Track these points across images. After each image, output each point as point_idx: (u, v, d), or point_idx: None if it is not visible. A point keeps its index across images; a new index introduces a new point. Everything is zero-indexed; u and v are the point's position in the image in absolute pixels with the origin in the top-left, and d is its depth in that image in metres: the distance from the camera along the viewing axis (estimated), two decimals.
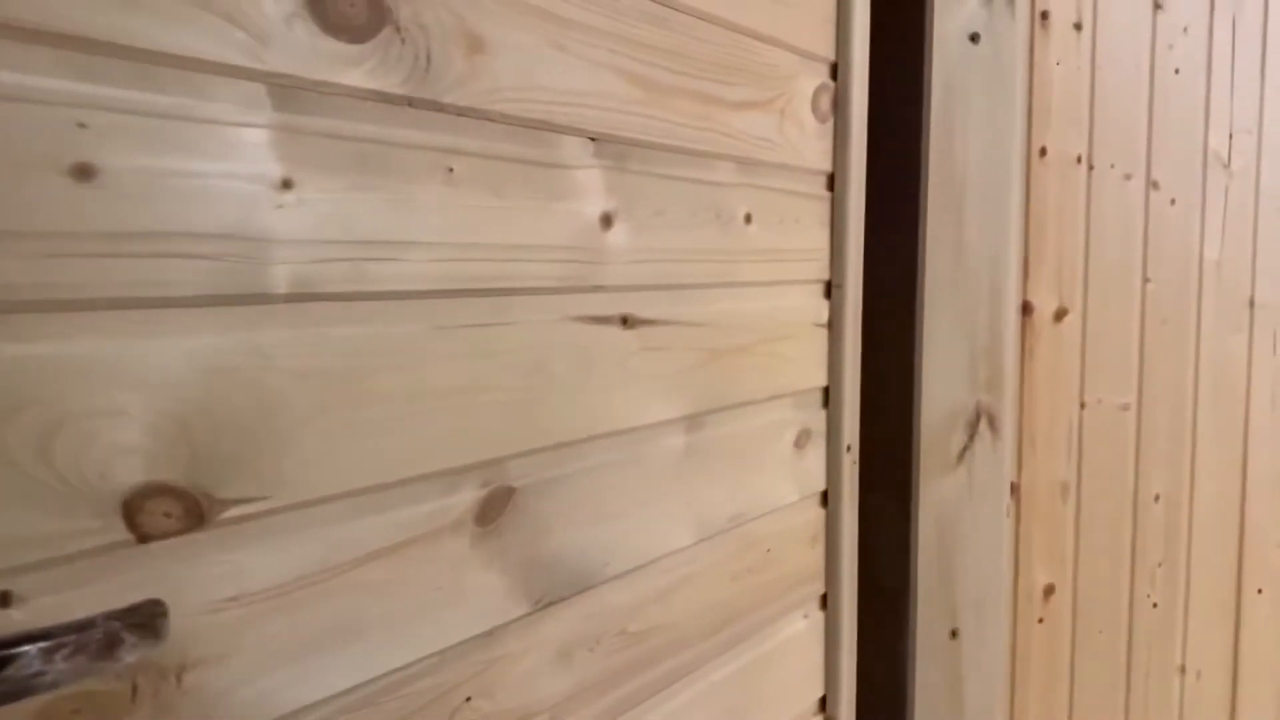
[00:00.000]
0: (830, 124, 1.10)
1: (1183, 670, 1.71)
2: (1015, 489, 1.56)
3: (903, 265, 1.23)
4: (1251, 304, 1.68)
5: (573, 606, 0.77)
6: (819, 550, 1.13)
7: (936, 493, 1.25)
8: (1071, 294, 1.57)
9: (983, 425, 1.26)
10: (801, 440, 1.09)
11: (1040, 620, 1.60)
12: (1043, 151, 1.54)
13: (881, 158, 1.20)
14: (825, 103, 1.09)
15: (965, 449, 1.25)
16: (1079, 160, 1.56)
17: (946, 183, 1.22)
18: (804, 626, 1.11)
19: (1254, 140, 1.65)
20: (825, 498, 1.14)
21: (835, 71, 1.11)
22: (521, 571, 0.72)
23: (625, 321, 0.81)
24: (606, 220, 0.78)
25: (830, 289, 1.13)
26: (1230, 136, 1.64)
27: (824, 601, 1.14)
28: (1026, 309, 1.55)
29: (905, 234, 1.22)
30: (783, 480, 1.06)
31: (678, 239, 0.87)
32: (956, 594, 1.28)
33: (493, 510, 0.70)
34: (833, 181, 1.12)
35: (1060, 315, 1.57)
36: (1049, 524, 1.59)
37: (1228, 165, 1.64)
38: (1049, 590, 1.60)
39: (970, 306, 1.24)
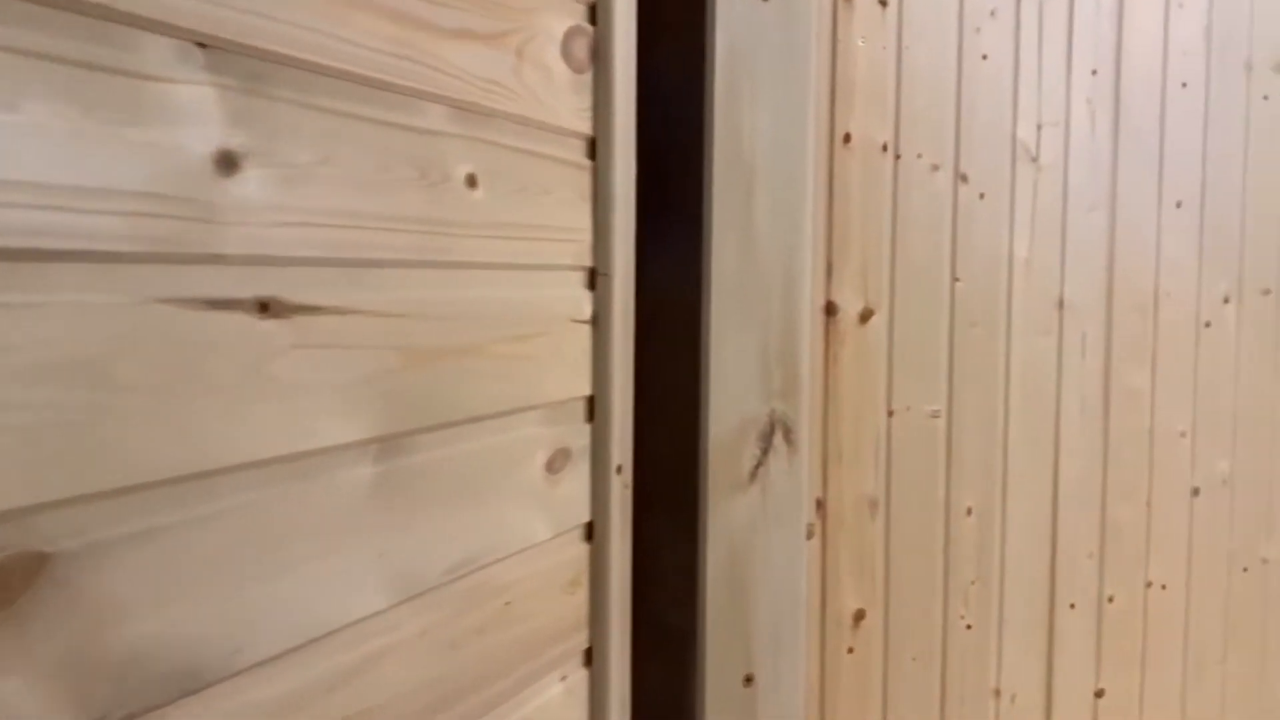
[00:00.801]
0: (589, 77, 0.91)
1: (997, 693, 1.61)
2: (821, 506, 1.41)
3: (683, 253, 1.04)
4: (1061, 305, 1.60)
5: (170, 718, 0.53)
6: (581, 595, 0.92)
7: (727, 517, 1.07)
8: (878, 293, 1.44)
9: (778, 438, 1.09)
10: (556, 463, 0.89)
11: (850, 650, 1.46)
12: (846, 138, 1.40)
13: (655, 125, 1.01)
14: (581, 49, 0.89)
15: (759, 465, 1.08)
16: (885, 148, 1.44)
17: (734, 161, 1.05)
18: (561, 691, 0.90)
19: (1061, 133, 1.58)
20: (590, 531, 0.94)
21: (595, 14, 0.91)
22: (67, 676, 0.48)
23: (266, 308, 0.58)
24: (228, 161, 0.55)
25: (594, 278, 0.93)
26: (1038, 129, 1.56)
27: (589, 657, 0.94)
28: (830, 309, 1.40)
29: (685, 217, 1.04)
30: (529, 514, 0.85)
31: (358, 199, 0.65)
32: (751, 633, 1.11)
33: (6, 590, 0.45)
34: (595, 148, 0.92)
35: (866, 316, 1.43)
36: (857, 543, 1.45)
37: (1036, 159, 1.56)
38: (859, 616, 1.46)
39: (762, 303, 1.07)
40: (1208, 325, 1.75)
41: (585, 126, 0.91)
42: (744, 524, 1.08)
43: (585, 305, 0.92)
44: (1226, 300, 1.76)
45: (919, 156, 1.46)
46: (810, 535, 1.40)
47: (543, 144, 0.85)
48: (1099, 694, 1.68)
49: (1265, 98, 1.78)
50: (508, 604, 0.82)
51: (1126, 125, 1.63)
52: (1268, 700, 1.86)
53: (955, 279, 1.50)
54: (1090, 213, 1.61)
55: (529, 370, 0.84)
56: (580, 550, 0.93)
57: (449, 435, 0.75)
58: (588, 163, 0.92)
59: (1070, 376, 1.62)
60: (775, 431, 1.09)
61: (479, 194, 0.77)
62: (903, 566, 1.49)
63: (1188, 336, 1.72)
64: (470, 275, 0.76)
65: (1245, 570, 1.83)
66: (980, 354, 1.53)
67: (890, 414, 1.47)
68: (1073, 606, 1.65)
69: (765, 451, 1.09)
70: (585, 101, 0.90)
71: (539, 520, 0.86)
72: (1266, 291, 1.81)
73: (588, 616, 0.93)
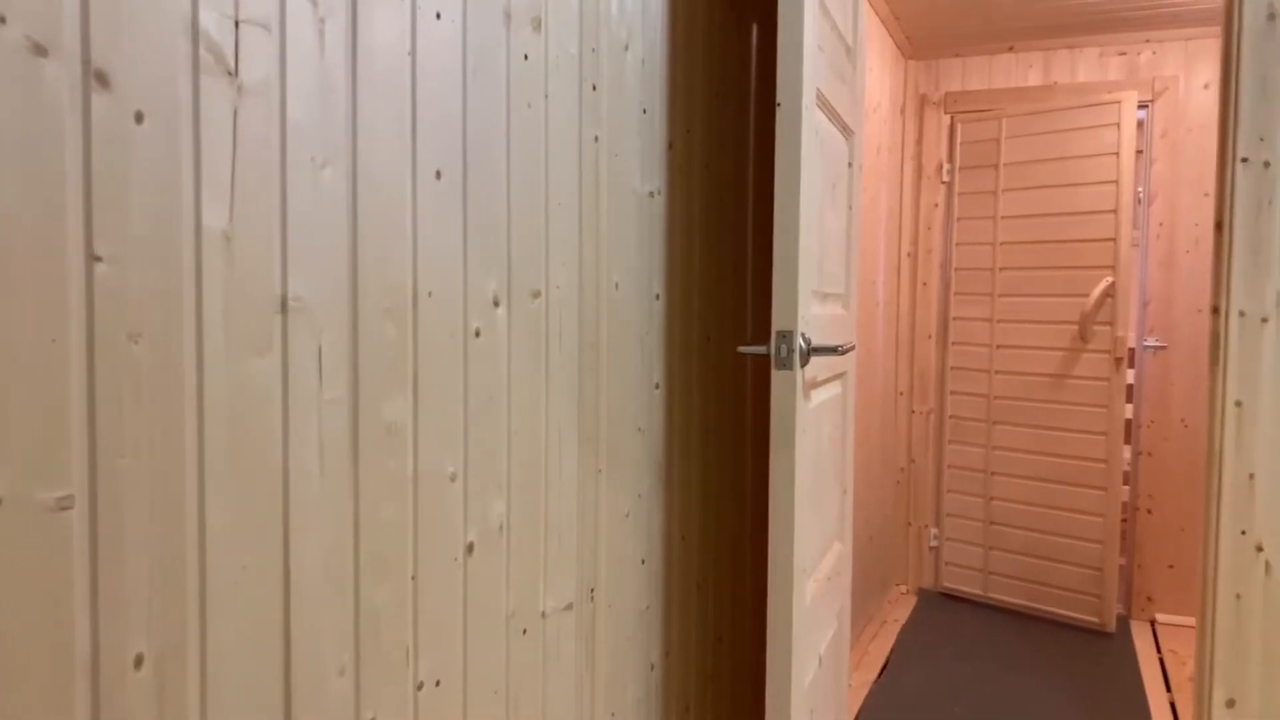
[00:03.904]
0: None
1: None
2: None
3: None
4: (284, 306, 1.04)
5: None
6: None
7: None
8: None
9: None
10: None
11: None
12: None
13: None
14: None
15: None
16: None
17: None
18: None
19: (274, 42, 1.02)
20: None
21: None
22: None
23: None
24: None
25: None
26: (236, 25, 0.98)
27: None
28: None
29: None
30: None
31: None
32: None
33: None
34: None
35: None
36: None
37: (234, 74, 0.98)
38: None
39: None
40: (477, 335, 1.36)
41: None
42: None
43: None
44: (497, 303, 1.40)
45: (2, 21, 0.77)
46: None
47: None
48: None
49: (526, 58, 1.47)
50: None
51: (368, 50, 1.14)
52: None
53: (95, 258, 0.84)
54: (322, 170, 1.09)
55: None
56: None
57: None
58: None
59: (303, 412, 1.07)
60: None
61: None
62: None
63: (455, 349, 1.32)
64: None
65: (525, 633, 1.50)
66: (149, 388, 0.90)
67: None
68: None
69: None
70: None
71: None
72: (537, 294, 1.50)
73: None
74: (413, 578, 1.25)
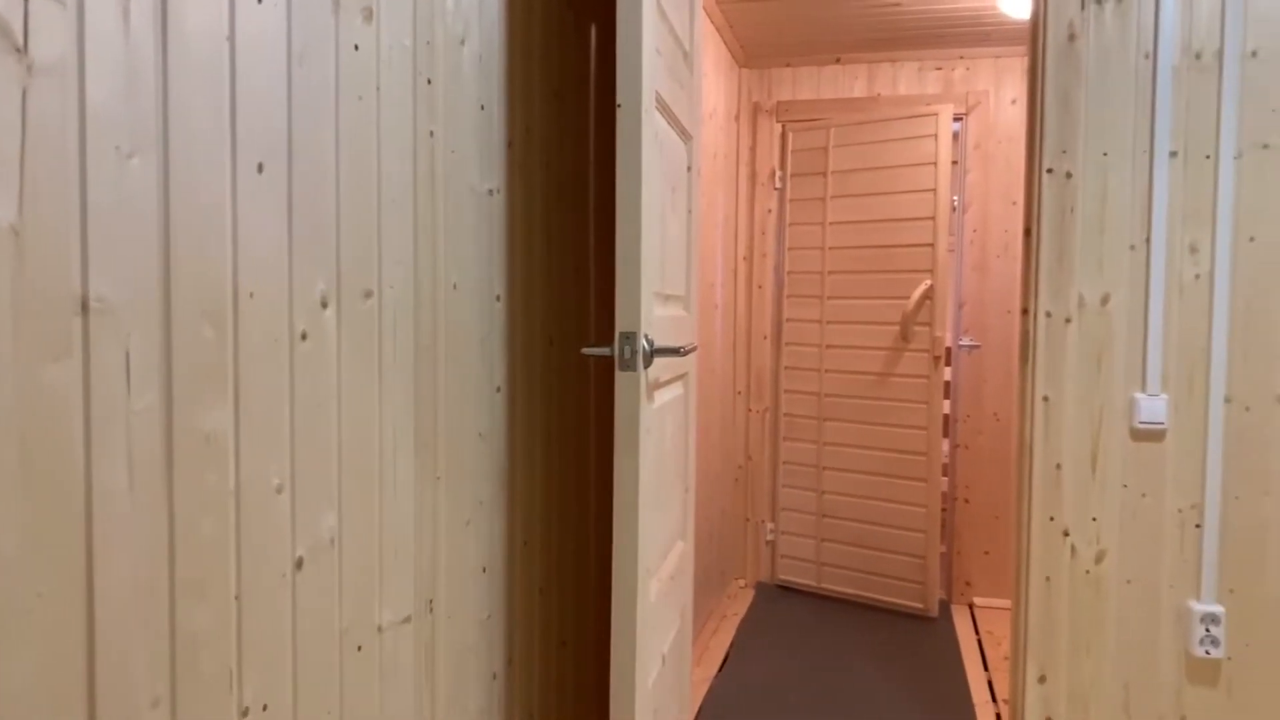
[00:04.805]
0: None
1: None
2: None
3: None
4: (85, 308, 0.95)
5: None
6: None
7: None
8: None
9: None
10: None
11: None
12: None
13: None
14: None
15: None
16: None
17: None
18: None
19: (72, 19, 0.93)
20: None
21: None
22: None
23: None
24: None
25: None
26: (27, 1, 0.89)
27: None
28: None
29: None
30: None
31: None
32: None
33: None
34: None
35: None
36: None
37: (23, 50, 0.89)
38: None
39: None
40: (304, 337, 1.29)
41: None
42: None
43: None
44: (325, 304, 1.33)
45: None
46: None
47: None
48: None
49: (356, 48, 1.40)
50: None
51: (180, 33, 1.06)
52: None
53: None
54: (129, 160, 1.00)
55: None
56: None
57: None
58: None
59: (108, 423, 0.99)
60: None
61: None
62: None
63: (280, 353, 1.24)
64: None
65: (360, 649, 1.44)
66: None
67: None
68: None
69: None
70: None
71: None
72: (369, 294, 1.44)
73: None
74: (236, 597, 1.17)
